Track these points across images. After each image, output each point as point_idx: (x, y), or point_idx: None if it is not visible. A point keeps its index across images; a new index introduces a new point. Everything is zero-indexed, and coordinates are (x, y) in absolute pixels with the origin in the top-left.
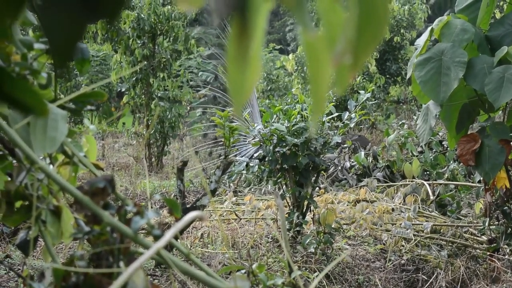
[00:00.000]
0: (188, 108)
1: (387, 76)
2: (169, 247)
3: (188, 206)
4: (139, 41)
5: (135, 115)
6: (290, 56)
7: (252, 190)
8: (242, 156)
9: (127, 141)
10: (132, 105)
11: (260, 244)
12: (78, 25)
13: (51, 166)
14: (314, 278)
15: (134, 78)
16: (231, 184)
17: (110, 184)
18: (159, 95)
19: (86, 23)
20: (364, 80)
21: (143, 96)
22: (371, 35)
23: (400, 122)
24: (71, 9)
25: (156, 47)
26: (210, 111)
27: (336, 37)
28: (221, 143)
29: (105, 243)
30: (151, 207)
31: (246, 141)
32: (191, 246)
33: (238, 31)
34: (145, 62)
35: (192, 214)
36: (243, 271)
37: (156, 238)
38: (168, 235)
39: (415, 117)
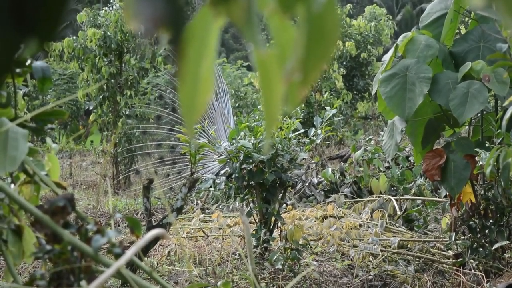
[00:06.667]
0: (155, 125)
1: (355, 92)
2: (135, 265)
3: (154, 224)
4: (105, 59)
5: (103, 133)
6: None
7: (220, 207)
8: (205, 173)
9: (94, 159)
10: (100, 123)
11: (227, 261)
12: (11, 46)
13: (12, 185)
14: None
15: (101, 96)
16: (199, 201)
17: (70, 202)
18: (127, 112)
19: (19, 44)
20: (331, 96)
21: (110, 114)
22: (321, 53)
23: (367, 138)
24: (4, 29)
25: (123, 65)
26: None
27: (287, 54)
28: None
29: (66, 262)
30: (118, 226)
31: (209, 158)
32: (157, 264)
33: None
34: (112, 80)
35: (153, 232)
36: None
37: (117, 256)
38: (129, 253)
39: (382, 133)
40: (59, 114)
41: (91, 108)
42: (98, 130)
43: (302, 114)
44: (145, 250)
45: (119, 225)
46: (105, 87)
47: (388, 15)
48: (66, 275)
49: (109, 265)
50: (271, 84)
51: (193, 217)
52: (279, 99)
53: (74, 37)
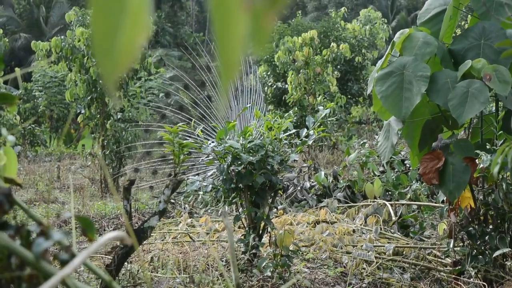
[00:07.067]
0: (143, 127)
1: (349, 96)
2: (115, 272)
3: (135, 228)
4: (94, 59)
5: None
6: (251, 76)
7: (209, 211)
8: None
9: (83, 162)
10: (92, 127)
11: (212, 267)
12: None
13: None
14: None
15: (89, 97)
16: (187, 205)
17: (7, 199)
18: (119, 116)
19: None
20: (325, 99)
21: (98, 116)
22: None
23: (362, 142)
24: None
25: None
26: (159, 129)
27: None
28: (171, 161)
29: (4, 270)
30: (104, 230)
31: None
32: (138, 270)
33: None
34: (100, 81)
35: (109, 235)
36: None
37: (63, 263)
38: (77, 260)
39: (376, 136)
40: (7, 98)
41: (82, 111)
42: (90, 133)
43: (295, 118)
44: (125, 255)
45: (104, 230)
46: (93, 88)
47: (383, 19)
48: (5, 285)
49: (52, 274)
50: (227, 15)
51: (180, 222)
52: (238, 35)
53: (62, 37)
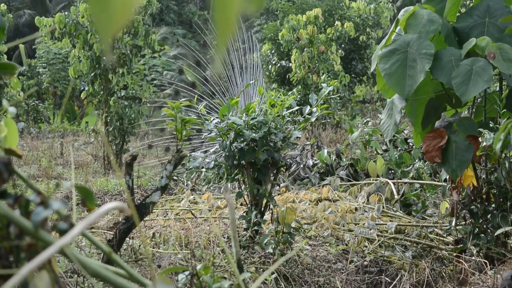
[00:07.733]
0: (147, 104)
1: (353, 75)
2: (116, 247)
3: (136, 204)
4: (97, 36)
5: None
6: (255, 54)
7: (211, 188)
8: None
9: (87, 139)
10: (96, 104)
11: (214, 243)
12: None
13: None
14: (271, 279)
15: (92, 74)
16: (189, 182)
17: (6, 168)
18: (122, 94)
19: None
20: (329, 78)
21: (101, 93)
22: None
23: (365, 120)
24: None
25: (116, 42)
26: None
27: None
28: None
29: (3, 239)
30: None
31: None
32: (139, 246)
33: None
34: (104, 58)
35: (109, 205)
36: (187, 272)
37: (62, 233)
38: (76, 230)
39: (380, 116)
40: (8, 68)
41: (86, 88)
42: (93, 110)
43: (298, 96)
44: (127, 230)
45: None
46: (96, 64)
47: None
48: (5, 254)
49: (51, 243)
50: None
51: (183, 198)
52: None
53: (66, 13)
